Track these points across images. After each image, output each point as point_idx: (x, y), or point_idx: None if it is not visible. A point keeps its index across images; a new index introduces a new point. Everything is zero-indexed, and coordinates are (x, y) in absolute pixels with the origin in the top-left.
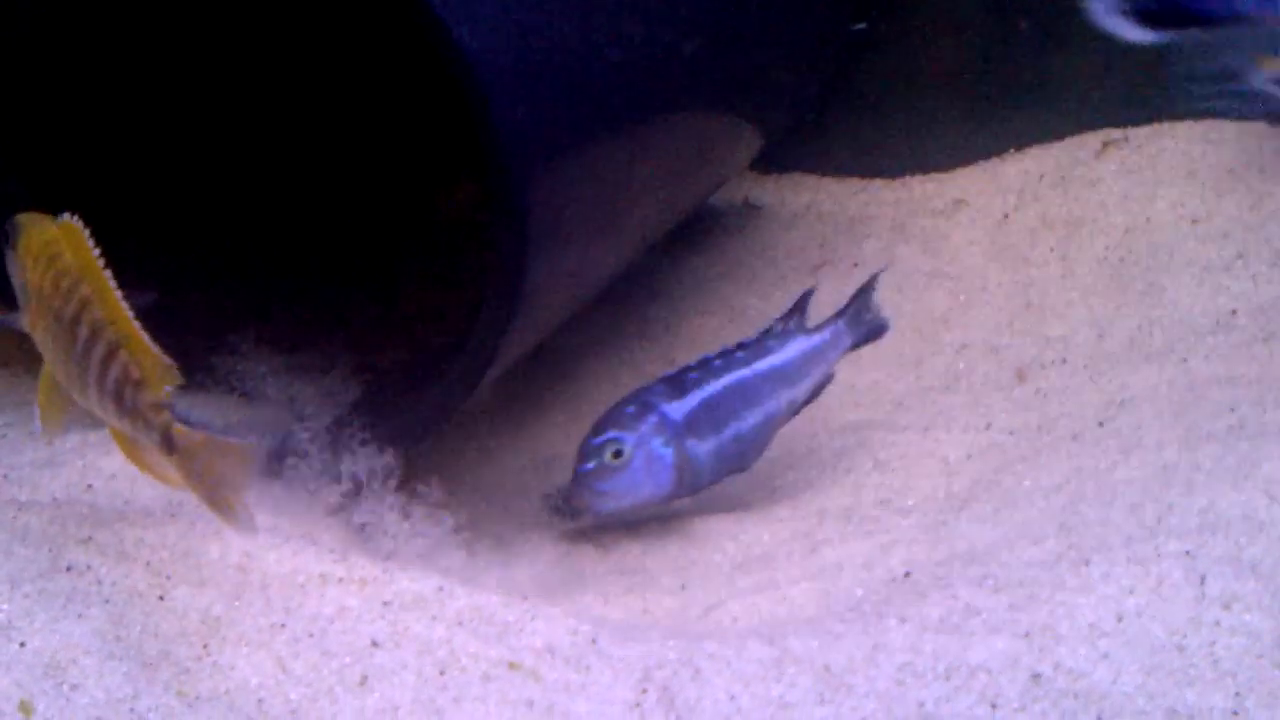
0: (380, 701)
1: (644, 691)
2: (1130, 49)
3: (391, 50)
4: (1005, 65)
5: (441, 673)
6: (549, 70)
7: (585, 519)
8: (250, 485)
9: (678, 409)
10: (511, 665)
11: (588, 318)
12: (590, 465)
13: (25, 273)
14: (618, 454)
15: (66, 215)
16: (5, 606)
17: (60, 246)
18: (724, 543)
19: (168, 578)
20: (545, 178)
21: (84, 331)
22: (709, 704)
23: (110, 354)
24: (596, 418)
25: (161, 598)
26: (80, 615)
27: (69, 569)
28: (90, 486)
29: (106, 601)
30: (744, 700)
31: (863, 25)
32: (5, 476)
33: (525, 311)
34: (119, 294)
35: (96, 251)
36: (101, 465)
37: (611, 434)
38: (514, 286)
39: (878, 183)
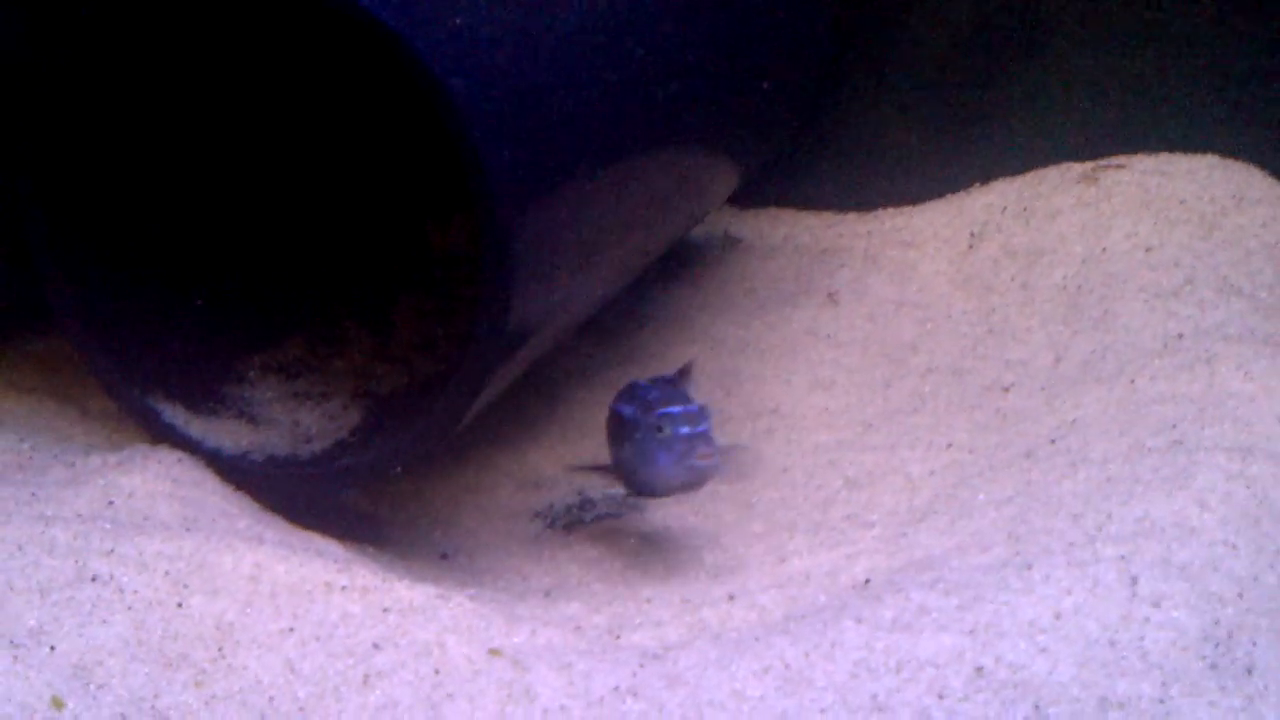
0: (381, 698)
1: (615, 689)
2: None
3: (391, 98)
4: (971, 104)
5: (436, 671)
6: (535, 115)
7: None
8: None
9: None
10: (492, 652)
11: (575, 346)
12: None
13: None
14: None
15: None
16: (36, 613)
17: None
18: (701, 554)
19: (185, 586)
20: (531, 216)
21: None
22: (683, 696)
23: None
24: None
25: (179, 605)
26: (105, 621)
27: (94, 579)
28: (111, 503)
29: (129, 608)
30: (714, 693)
31: None
32: (33, 495)
33: (512, 342)
34: None
35: None
36: (121, 484)
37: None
38: (501, 319)
39: (851, 216)
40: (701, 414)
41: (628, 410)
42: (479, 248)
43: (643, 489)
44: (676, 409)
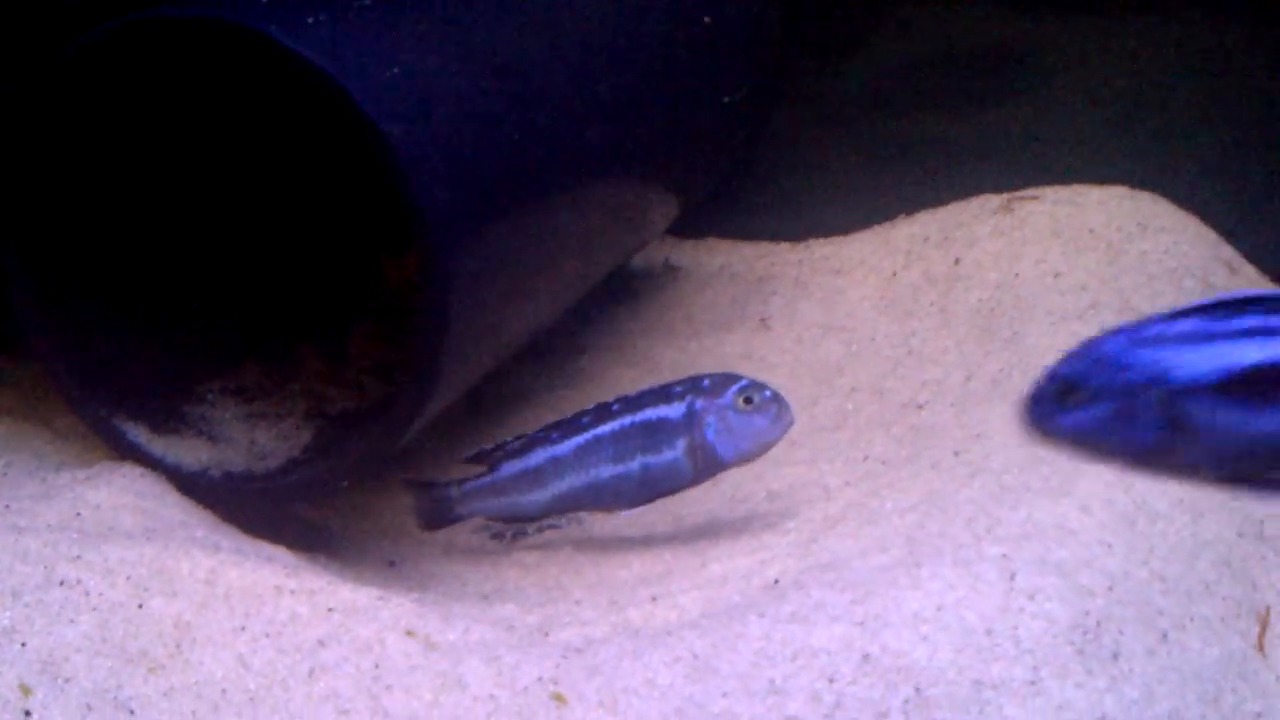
0: (325, 689)
1: (539, 679)
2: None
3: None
4: (899, 141)
5: (376, 665)
6: (469, 156)
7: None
8: None
9: None
10: (427, 646)
11: (520, 369)
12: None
13: None
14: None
15: None
16: (8, 614)
17: None
18: (631, 561)
19: (145, 589)
20: (466, 251)
21: None
22: (599, 684)
23: None
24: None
25: (140, 606)
26: (72, 621)
27: (62, 583)
28: (79, 515)
29: (94, 609)
30: (629, 681)
31: None
32: (7, 507)
33: (450, 367)
34: None
35: None
36: (89, 497)
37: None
38: (439, 346)
39: (783, 245)
40: (757, 381)
41: (674, 410)
42: (418, 279)
43: (721, 465)
44: (744, 381)
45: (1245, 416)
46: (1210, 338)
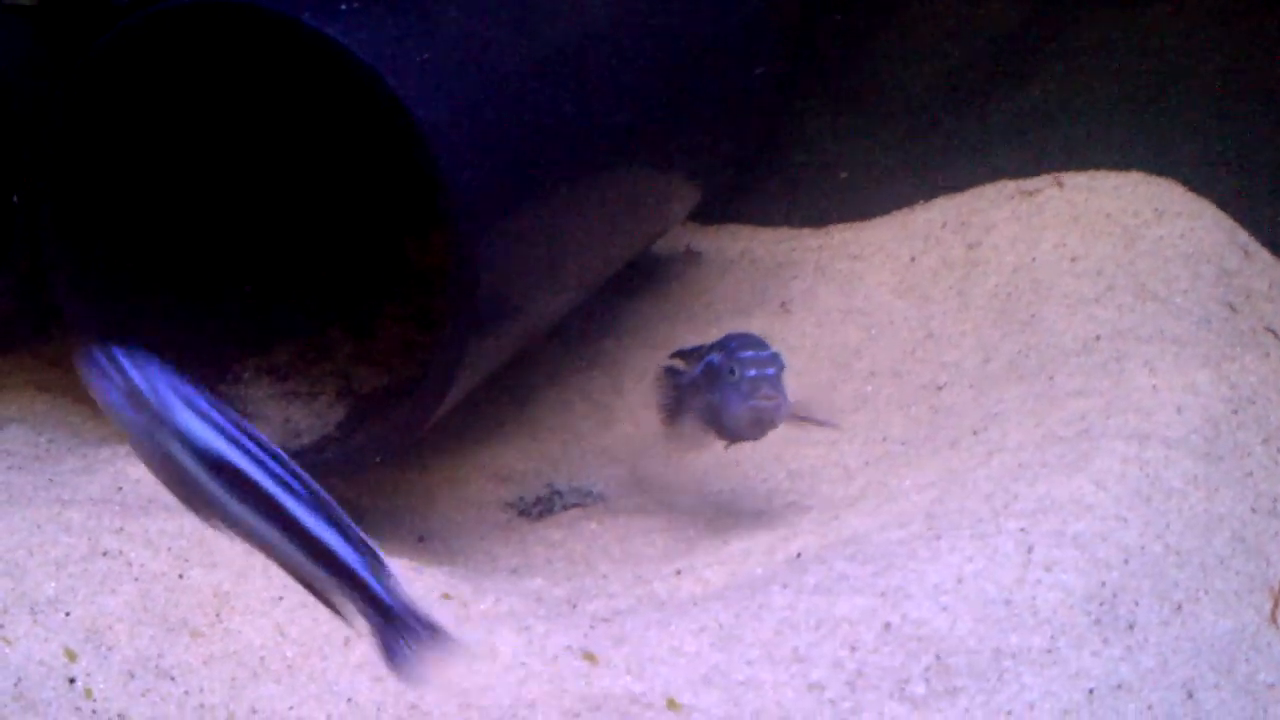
0: (360, 657)
1: (568, 648)
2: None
3: (374, 128)
4: (915, 127)
5: None
6: (495, 141)
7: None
8: None
9: None
10: (460, 616)
11: (545, 352)
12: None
13: None
14: None
15: None
16: (54, 583)
17: None
18: (655, 538)
19: (186, 560)
20: (493, 233)
21: None
22: (627, 652)
23: None
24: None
25: (181, 576)
26: (114, 590)
27: (105, 554)
28: (120, 489)
29: (136, 579)
30: (655, 649)
31: None
32: (51, 480)
33: (476, 347)
34: None
35: None
36: (129, 472)
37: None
38: (466, 326)
39: (804, 231)
40: (772, 359)
41: (718, 358)
42: (446, 260)
43: (722, 432)
44: (749, 353)
45: None
46: None
